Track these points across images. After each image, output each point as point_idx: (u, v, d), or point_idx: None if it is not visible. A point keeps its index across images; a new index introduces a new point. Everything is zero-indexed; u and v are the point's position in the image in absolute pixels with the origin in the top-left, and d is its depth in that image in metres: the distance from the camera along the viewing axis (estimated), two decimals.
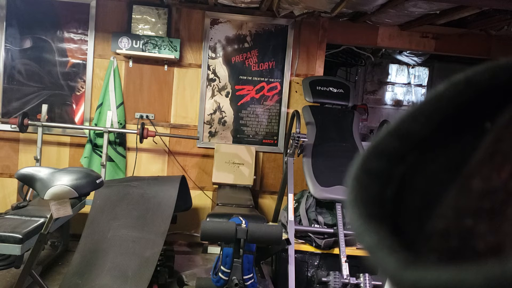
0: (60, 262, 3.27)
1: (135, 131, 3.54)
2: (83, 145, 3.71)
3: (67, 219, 3.08)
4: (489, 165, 0.21)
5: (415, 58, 5.39)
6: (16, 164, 3.76)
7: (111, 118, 3.68)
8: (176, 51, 3.67)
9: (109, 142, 3.58)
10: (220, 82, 3.84)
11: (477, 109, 0.24)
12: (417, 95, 7.03)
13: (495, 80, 0.23)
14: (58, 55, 3.70)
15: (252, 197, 3.55)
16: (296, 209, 3.03)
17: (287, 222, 2.89)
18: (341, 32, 3.95)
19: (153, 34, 3.71)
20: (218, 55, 3.82)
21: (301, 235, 2.94)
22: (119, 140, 3.75)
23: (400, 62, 6.17)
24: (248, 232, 2.20)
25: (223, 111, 3.86)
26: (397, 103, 7.00)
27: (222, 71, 3.83)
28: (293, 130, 3.17)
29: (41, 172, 2.10)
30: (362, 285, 2.54)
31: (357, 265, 2.69)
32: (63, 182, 2.02)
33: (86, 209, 3.11)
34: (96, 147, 3.68)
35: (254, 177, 3.77)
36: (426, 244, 0.22)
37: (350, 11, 3.59)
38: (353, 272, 2.61)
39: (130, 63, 3.77)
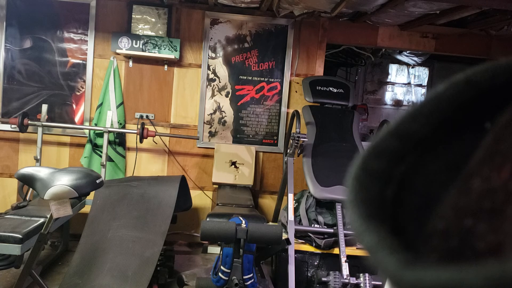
0: (60, 262, 3.27)
1: (135, 131, 3.54)
2: (83, 145, 3.71)
3: (67, 219, 3.09)
4: (489, 165, 0.21)
5: (415, 58, 5.39)
6: (16, 164, 3.75)
7: (111, 118, 3.68)
8: (176, 51, 3.67)
9: (109, 142, 3.58)
10: (220, 82, 3.84)
11: (477, 109, 0.24)
12: (417, 95, 7.04)
13: (495, 80, 0.23)
14: (58, 55, 3.70)
15: (252, 197, 3.55)
16: (296, 209, 3.03)
17: (287, 222, 2.89)
18: (341, 32, 3.95)
19: (153, 34, 3.71)
20: (218, 55, 3.82)
21: (301, 235, 2.94)
22: (119, 140, 3.75)
23: (400, 62, 6.17)
24: (248, 232, 2.21)
25: (223, 111, 3.86)
26: (397, 103, 7.00)
27: (222, 71, 3.83)
28: (293, 130, 3.17)
29: (41, 172, 2.10)
30: (362, 285, 2.54)
31: (357, 265, 2.69)
32: (63, 182, 2.02)
33: (86, 209, 3.11)
34: (96, 147, 3.68)
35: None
36: (426, 244, 0.22)
37: (350, 11, 3.59)
38: (353, 272, 2.61)
39: (130, 63, 3.77)
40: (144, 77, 3.80)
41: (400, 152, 0.25)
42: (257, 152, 3.87)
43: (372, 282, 2.53)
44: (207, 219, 2.70)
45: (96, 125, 3.65)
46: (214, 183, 3.79)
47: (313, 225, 2.95)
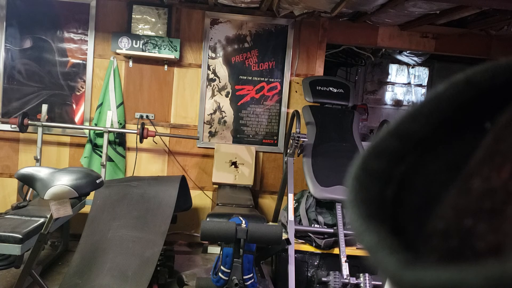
0: (60, 262, 3.27)
1: (135, 131, 3.54)
2: (83, 145, 3.71)
3: (67, 219, 3.09)
4: (489, 165, 0.21)
5: (415, 58, 5.39)
6: (16, 164, 3.75)
7: (111, 118, 3.68)
8: (176, 51, 3.67)
9: (109, 142, 3.58)
10: (220, 82, 3.84)
11: (477, 109, 0.24)
12: (417, 95, 7.04)
13: (495, 80, 0.23)
14: (58, 55, 3.70)
15: (252, 197, 3.55)
16: (296, 209, 3.03)
17: (287, 222, 2.89)
18: (341, 32, 3.95)
19: (153, 34, 3.71)
20: (218, 55, 3.82)
21: (301, 235, 2.94)
22: (119, 140, 3.76)
23: (400, 62, 6.17)
24: (248, 232, 2.21)
25: (223, 111, 3.86)
26: (397, 103, 7.00)
27: (222, 71, 3.83)
28: (293, 130, 3.17)
29: (41, 172, 2.10)
30: (362, 285, 2.54)
31: (357, 265, 2.69)
32: (63, 182, 2.02)
33: (86, 209, 3.11)
34: (96, 147, 3.69)
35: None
36: (426, 244, 0.22)
37: (350, 11, 3.59)
38: (353, 272, 2.61)
39: (130, 63, 3.77)
40: (144, 77, 3.80)
41: (400, 152, 0.25)
42: (257, 152, 3.87)
43: (372, 282, 2.53)
44: (207, 219, 2.70)
45: (96, 125, 3.65)
46: (214, 183, 3.79)
47: (313, 225, 2.95)
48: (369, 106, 6.57)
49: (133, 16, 3.70)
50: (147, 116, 3.80)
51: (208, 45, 3.79)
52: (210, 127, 3.87)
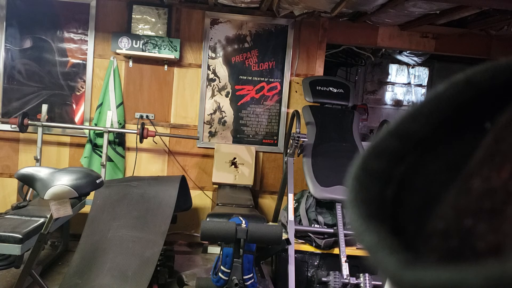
0: (60, 262, 3.27)
1: (135, 131, 3.54)
2: (83, 145, 3.71)
3: (67, 219, 3.09)
4: (489, 165, 0.21)
5: (415, 58, 5.39)
6: (16, 164, 3.75)
7: (111, 118, 3.68)
8: (176, 51, 3.67)
9: (109, 142, 3.58)
10: (220, 82, 3.84)
11: (477, 109, 0.24)
12: (417, 95, 7.04)
13: (495, 80, 0.23)
14: (58, 55, 3.70)
15: (252, 197, 3.55)
16: (296, 209, 3.03)
17: (287, 222, 2.89)
18: (341, 32, 3.95)
19: (153, 34, 3.71)
20: (218, 55, 3.82)
21: (301, 235, 2.94)
22: (118, 140, 3.75)
23: (400, 62, 6.17)
24: (248, 232, 2.21)
25: (223, 111, 3.86)
26: (397, 103, 7.00)
27: (222, 71, 3.83)
28: (293, 130, 3.17)
29: (41, 172, 2.10)
30: (362, 285, 2.54)
31: (357, 265, 2.69)
32: (63, 182, 2.02)
33: (86, 209, 3.11)
34: (96, 147, 3.69)
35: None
36: (426, 244, 0.22)
37: (350, 11, 3.59)
38: (353, 272, 2.61)
39: (130, 63, 3.77)
40: (144, 77, 3.80)
41: (400, 152, 0.25)
42: (257, 152, 3.87)
43: (372, 282, 2.53)
44: (207, 219, 2.70)
45: (96, 125, 3.65)
46: (214, 183, 3.79)
47: (313, 225, 2.95)
48: (369, 106, 6.57)
49: (133, 16, 3.70)
50: (147, 116, 3.80)
51: (208, 45, 3.79)
52: (210, 127, 3.87)
